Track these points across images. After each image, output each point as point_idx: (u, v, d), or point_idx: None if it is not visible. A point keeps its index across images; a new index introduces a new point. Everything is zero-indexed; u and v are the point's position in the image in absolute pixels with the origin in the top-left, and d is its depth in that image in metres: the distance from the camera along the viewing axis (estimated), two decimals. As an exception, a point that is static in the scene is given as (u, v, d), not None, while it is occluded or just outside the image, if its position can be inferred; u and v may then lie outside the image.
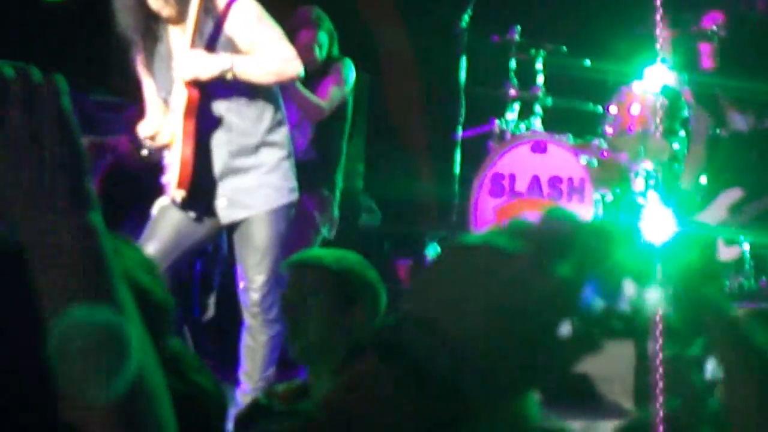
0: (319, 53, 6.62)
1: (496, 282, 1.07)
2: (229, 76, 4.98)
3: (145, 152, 5.26)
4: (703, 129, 5.95)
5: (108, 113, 7.83)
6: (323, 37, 6.67)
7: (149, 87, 5.27)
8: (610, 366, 4.84)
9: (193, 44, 5.00)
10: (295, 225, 5.41)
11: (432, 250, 7.60)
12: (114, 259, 1.30)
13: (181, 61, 5.00)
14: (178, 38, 5.14)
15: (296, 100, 6.22)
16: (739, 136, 5.72)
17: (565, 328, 1.06)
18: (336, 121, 6.68)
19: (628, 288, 1.10)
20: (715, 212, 5.71)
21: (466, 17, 7.61)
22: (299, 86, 6.09)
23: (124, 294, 1.29)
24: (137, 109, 5.34)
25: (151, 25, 5.13)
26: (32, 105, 1.30)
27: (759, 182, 5.62)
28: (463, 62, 7.66)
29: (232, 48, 5.04)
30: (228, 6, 5.05)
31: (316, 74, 6.51)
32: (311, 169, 6.35)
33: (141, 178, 6.62)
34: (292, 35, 6.20)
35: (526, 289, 1.07)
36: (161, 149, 5.17)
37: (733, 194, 5.74)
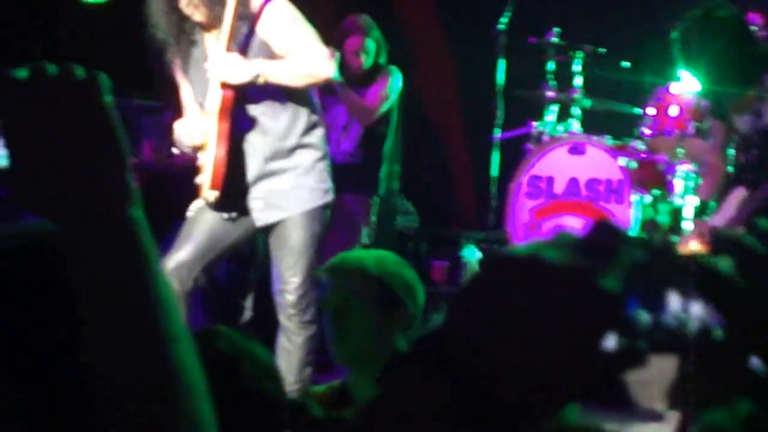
0: (366, 60, 6.67)
1: (542, 295, 1.07)
2: (260, 81, 4.97)
3: (175, 151, 5.24)
4: (720, 139, 5.90)
5: (148, 117, 7.85)
6: (370, 44, 6.74)
7: (186, 90, 5.27)
8: (647, 370, 4.78)
9: (228, 48, 4.99)
10: (336, 226, 5.41)
11: (468, 252, 7.58)
12: (154, 254, 1.32)
13: (214, 63, 4.99)
14: (213, 42, 5.13)
15: (347, 102, 6.28)
16: (742, 137, 5.67)
17: (611, 342, 1.06)
18: (382, 127, 6.76)
19: (673, 301, 1.09)
20: (726, 212, 5.66)
21: (504, 19, 7.62)
22: (349, 89, 6.11)
23: (166, 289, 1.31)
24: (175, 113, 5.34)
25: (185, 29, 5.13)
26: (75, 101, 1.31)
27: (759, 181, 5.57)
28: (501, 64, 7.68)
29: (267, 51, 5.03)
30: (262, 10, 5.03)
31: (363, 80, 6.57)
32: (357, 171, 6.43)
33: (166, 182, 6.64)
34: (340, 42, 6.24)
35: (572, 303, 1.06)
36: (195, 150, 5.15)
37: (738, 193, 5.68)
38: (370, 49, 6.73)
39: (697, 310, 1.10)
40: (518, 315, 1.05)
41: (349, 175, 5.41)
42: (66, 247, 1.29)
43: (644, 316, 1.07)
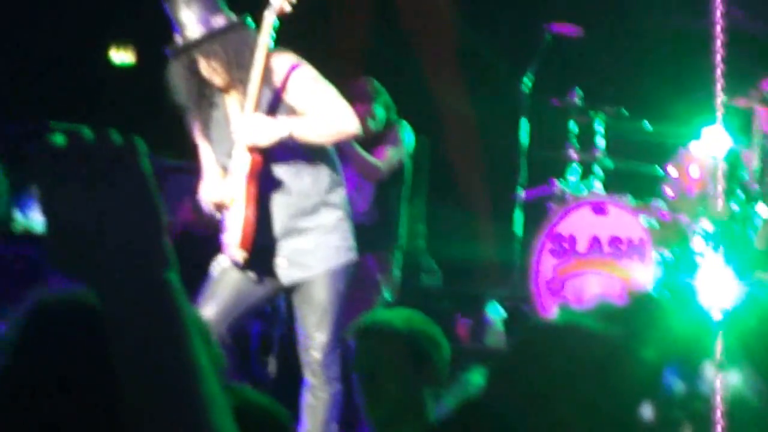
0: (374, 126, 6.65)
1: (582, 365, 1.07)
2: (289, 139, 4.98)
3: (206, 211, 5.24)
4: None
5: (176, 176, 7.87)
6: (379, 110, 6.74)
7: (206, 152, 5.28)
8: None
9: (255, 111, 5.00)
10: (356, 286, 5.39)
11: (492, 310, 7.55)
12: (192, 319, 1.32)
13: (241, 126, 5.00)
14: (234, 105, 5.16)
15: (354, 161, 6.25)
16: None
17: (648, 411, 1.04)
18: (395, 184, 6.73)
19: (709, 371, 1.09)
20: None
21: (527, 81, 7.63)
22: (357, 147, 6.11)
23: (201, 352, 1.31)
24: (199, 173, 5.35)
25: (205, 93, 5.16)
26: (113, 167, 1.31)
27: None
28: (524, 124, 7.68)
29: (290, 111, 5.05)
30: (286, 74, 5.05)
31: (373, 139, 6.54)
32: (372, 230, 6.39)
33: (208, 242, 6.64)
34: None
35: (611, 372, 1.06)
36: (220, 210, 5.15)
37: None
38: (378, 114, 6.73)
39: (733, 379, 1.09)
40: (557, 383, 1.05)
41: (365, 235, 5.40)
42: (104, 312, 1.29)
43: (680, 386, 1.05)
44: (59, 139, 1.30)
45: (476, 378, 1.16)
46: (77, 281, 1.32)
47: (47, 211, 1.30)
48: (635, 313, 1.09)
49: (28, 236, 7.26)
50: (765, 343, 1.62)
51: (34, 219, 7.19)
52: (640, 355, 1.06)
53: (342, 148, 5.98)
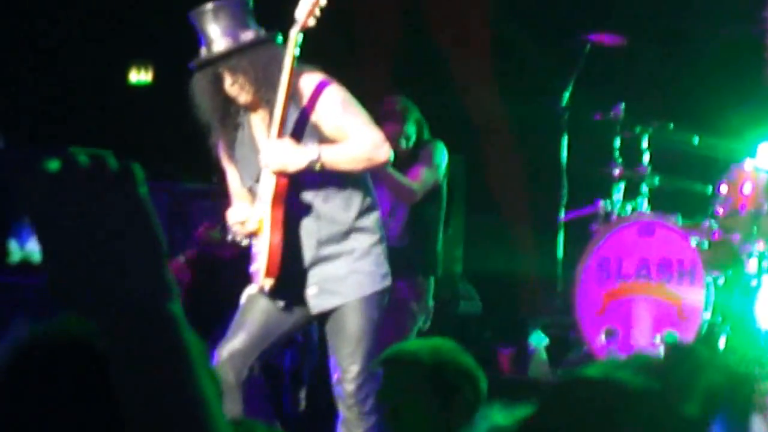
0: (405, 145, 6.65)
1: (619, 422, 1.05)
2: (317, 167, 4.97)
3: (230, 237, 5.25)
4: None
5: (200, 202, 7.90)
6: (410, 128, 6.73)
7: (232, 175, 5.31)
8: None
9: (280, 134, 5.00)
10: (390, 314, 5.39)
11: (535, 338, 7.53)
12: (196, 350, 1.31)
13: (267, 151, 5.01)
14: (259, 125, 5.17)
15: (387, 183, 6.23)
16: None
17: None
18: (430, 206, 6.71)
19: (757, 425, 1.08)
20: None
21: (566, 94, 7.61)
22: (390, 169, 6.10)
23: (206, 385, 1.30)
24: (226, 198, 5.38)
25: (230, 112, 5.17)
26: (108, 193, 1.30)
27: None
28: (565, 141, 7.66)
29: (318, 135, 5.05)
30: (314, 94, 5.05)
31: (406, 159, 6.53)
32: (406, 255, 6.37)
33: (218, 269, 6.67)
34: (378, 125, 6.23)
35: (650, 430, 1.04)
36: (248, 237, 5.17)
37: None
38: (409, 133, 6.73)
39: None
40: None
41: (398, 260, 5.38)
42: (102, 343, 1.29)
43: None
44: (52, 164, 1.30)
45: (496, 415, 1.17)
46: (76, 312, 1.32)
47: (41, 240, 1.29)
48: (675, 365, 1.07)
49: (26, 266, 7.32)
50: None
51: (31, 248, 7.26)
52: (682, 411, 1.04)
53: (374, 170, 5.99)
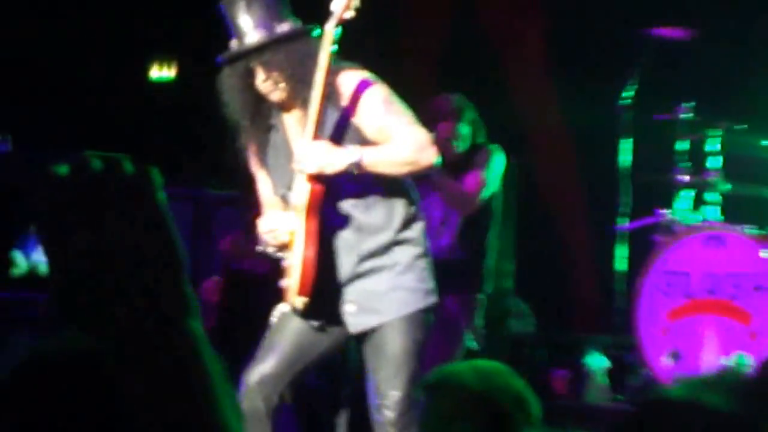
0: (460, 147, 6.66)
1: None
2: (357, 170, 4.93)
3: (260, 248, 5.21)
4: None
5: (227, 210, 7.95)
6: (464, 129, 6.77)
7: (263, 182, 5.29)
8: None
9: (316, 135, 4.95)
10: (436, 333, 5.38)
11: (593, 360, 7.56)
12: (216, 372, 1.32)
13: (302, 153, 4.96)
14: (294, 127, 5.13)
15: (443, 191, 6.28)
16: None
17: None
18: (485, 216, 6.76)
19: None
20: None
21: (628, 93, 7.59)
22: (445, 174, 6.10)
23: (226, 408, 1.30)
24: (255, 206, 5.35)
25: (262, 111, 5.14)
26: (123, 200, 1.30)
27: None
28: (626, 144, 7.67)
29: (359, 137, 5.02)
30: (354, 94, 5.02)
31: (459, 165, 6.54)
32: (457, 269, 6.44)
33: (248, 285, 6.67)
34: (429, 128, 6.20)
35: None
36: (281, 249, 5.12)
37: None
38: (464, 134, 6.74)
39: None
40: None
41: (448, 273, 5.42)
42: (111, 363, 1.28)
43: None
44: (62, 168, 1.29)
45: None
46: (84, 329, 1.30)
47: (49, 250, 1.29)
48: (765, 385, 1.01)
49: (32, 279, 7.36)
50: None
51: (37, 259, 7.30)
52: None
53: (428, 175, 5.99)
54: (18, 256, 7.39)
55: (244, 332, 6.18)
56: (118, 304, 1.28)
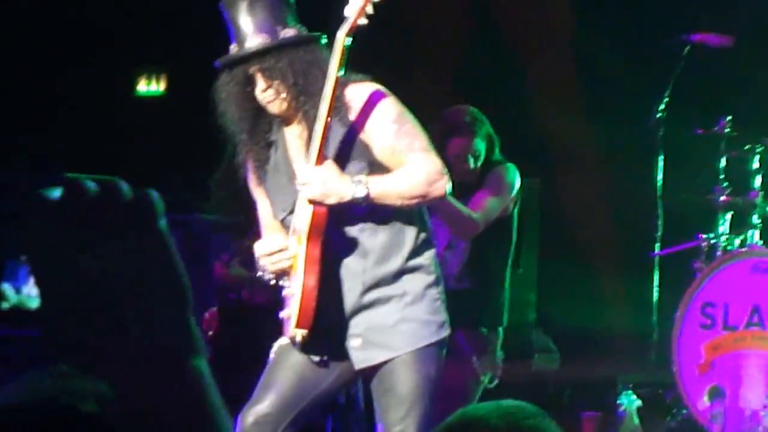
0: (474, 164, 6.62)
1: None
2: (363, 203, 4.92)
3: (257, 274, 5.22)
4: None
5: (220, 237, 7.95)
6: (479, 144, 6.68)
7: (262, 203, 5.29)
8: None
9: (320, 156, 4.92)
10: (448, 371, 5.34)
11: (625, 400, 7.49)
12: (221, 413, 1.31)
13: (304, 176, 4.93)
14: (296, 143, 5.14)
15: (443, 212, 6.16)
16: None
17: None
18: (497, 240, 6.69)
19: None
20: None
21: (662, 106, 7.59)
22: (448, 197, 6.06)
23: None
24: (252, 230, 5.37)
25: (261, 123, 5.14)
26: (121, 227, 1.29)
27: None
28: (660, 161, 7.64)
29: (367, 156, 5.02)
30: (364, 109, 5.01)
31: (471, 182, 6.49)
32: (467, 300, 6.34)
33: (253, 311, 6.68)
34: (442, 142, 6.19)
35: None
36: (280, 276, 5.13)
37: None
38: (479, 150, 6.68)
39: None
40: None
41: (457, 304, 5.34)
42: (111, 405, 1.29)
43: None
44: (53, 192, 1.28)
45: None
46: (77, 368, 1.30)
47: (40, 282, 1.28)
48: None
49: (20, 313, 7.38)
50: None
51: (27, 292, 7.32)
52: None
53: None
54: (6, 289, 7.40)
55: (241, 368, 6.16)
56: (116, 339, 1.27)
